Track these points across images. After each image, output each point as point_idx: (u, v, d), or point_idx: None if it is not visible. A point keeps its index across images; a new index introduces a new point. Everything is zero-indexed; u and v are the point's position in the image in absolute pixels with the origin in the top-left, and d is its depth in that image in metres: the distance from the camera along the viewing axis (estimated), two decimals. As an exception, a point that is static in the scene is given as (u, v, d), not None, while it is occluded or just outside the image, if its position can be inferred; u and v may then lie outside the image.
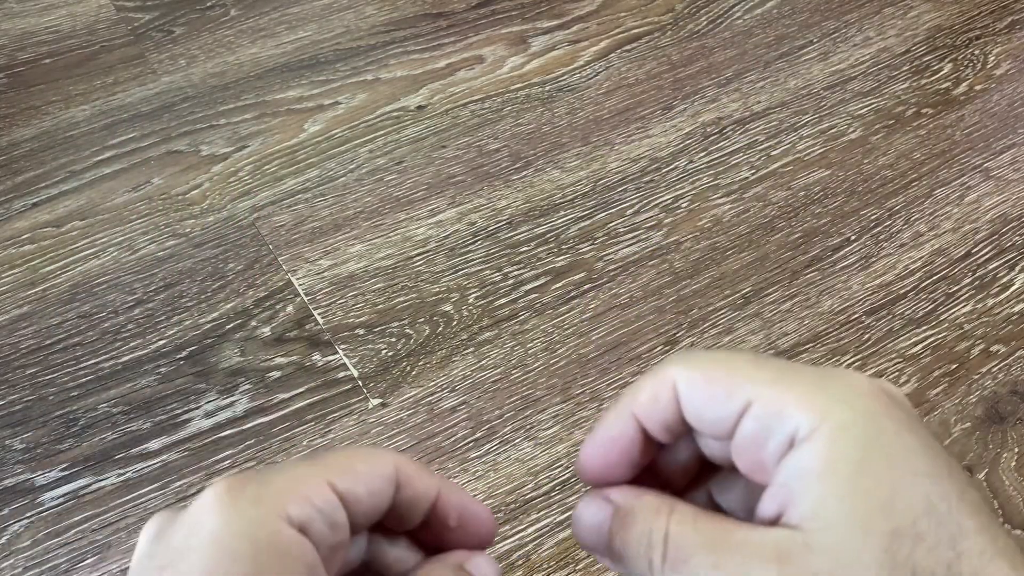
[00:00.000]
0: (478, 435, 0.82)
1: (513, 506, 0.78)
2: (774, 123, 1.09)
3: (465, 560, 0.30)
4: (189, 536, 0.22)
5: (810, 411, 0.22)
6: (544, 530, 0.77)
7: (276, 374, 0.85)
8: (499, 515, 0.78)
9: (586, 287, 0.92)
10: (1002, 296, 0.93)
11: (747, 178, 1.03)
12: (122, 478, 0.78)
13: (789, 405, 0.23)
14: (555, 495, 0.79)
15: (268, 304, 0.90)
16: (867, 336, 0.89)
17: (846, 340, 0.88)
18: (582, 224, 0.98)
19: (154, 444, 0.80)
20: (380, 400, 0.84)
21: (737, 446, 0.25)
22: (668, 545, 0.24)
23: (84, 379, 0.84)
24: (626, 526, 0.27)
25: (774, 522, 0.22)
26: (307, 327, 0.89)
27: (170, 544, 0.22)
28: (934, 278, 0.94)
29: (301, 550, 0.23)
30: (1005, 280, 0.95)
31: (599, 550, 0.27)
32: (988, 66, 1.16)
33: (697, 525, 0.24)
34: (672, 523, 0.24)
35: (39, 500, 0.76)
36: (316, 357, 0.86)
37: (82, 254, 0.93)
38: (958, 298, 0.92)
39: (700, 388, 0.25)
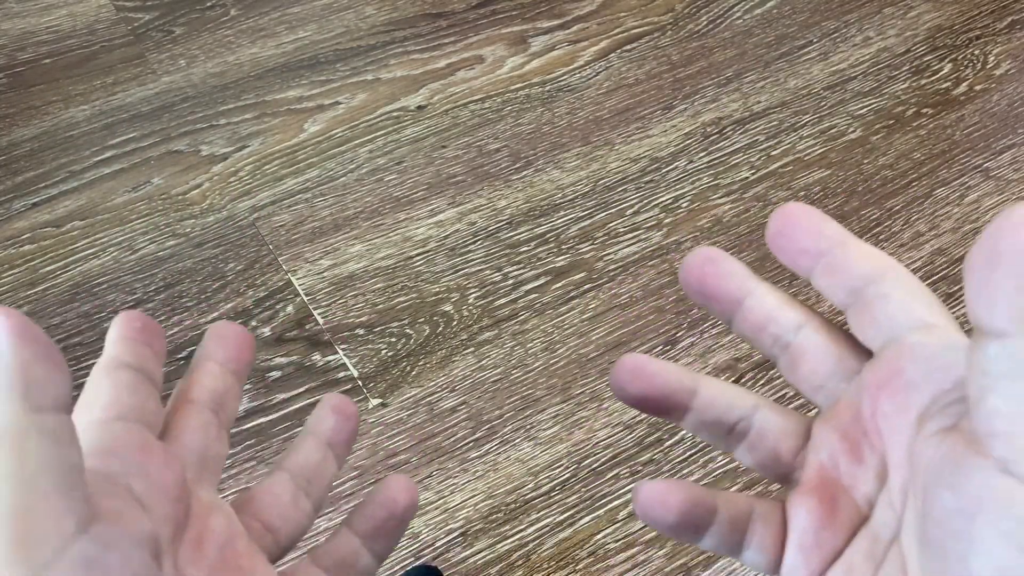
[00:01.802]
0: (478, 435, 0.82)
1: (513, 506, 0.78)
2: (774, 123, 1.09)
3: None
4: None
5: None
6: (544, 530, 0.77)
7: (276, 374, 0.85)
8: (499, 515, 0.78)
9: (586, 287, 0.92)
10: (1002, 296, 0.93)
11: (747, 178, 1.03)
12: (122, 478, 0.78)
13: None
14: (555, 495, 0.79)
15: (268, 304, 0.90)
16: (867, 336, 0.89)
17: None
18: (582, 224, 0.98)
19: (154, 444, 0.80)
20: (380, 400, 0.84)
21: (896, 350, 0.23)
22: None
23: (84, 379, 0.84)
24: None
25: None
26: (307, 327, 0.89)
27: None
28: (934, 278, 0.94)
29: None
30: (1005, 280, 0.95)
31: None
32: (988, 66, 1.16)
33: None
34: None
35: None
36: (316, 357, 0.86)
37: (82, 254, 0.93)
38: (958, 298, 0.92)
39: (907, 283, 0.23)
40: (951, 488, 0.18)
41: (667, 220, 0.98)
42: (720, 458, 0.82)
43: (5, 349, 0.17)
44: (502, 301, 0.91)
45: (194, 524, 0.22)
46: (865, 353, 0.24)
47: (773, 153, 1.05)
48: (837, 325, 0.25)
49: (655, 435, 0.83)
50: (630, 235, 0.97)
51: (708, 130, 1.08)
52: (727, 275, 0.24)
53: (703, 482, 0.80)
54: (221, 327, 0.26)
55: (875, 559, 0.22)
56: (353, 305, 0.90)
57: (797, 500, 0.24)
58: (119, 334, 0.24)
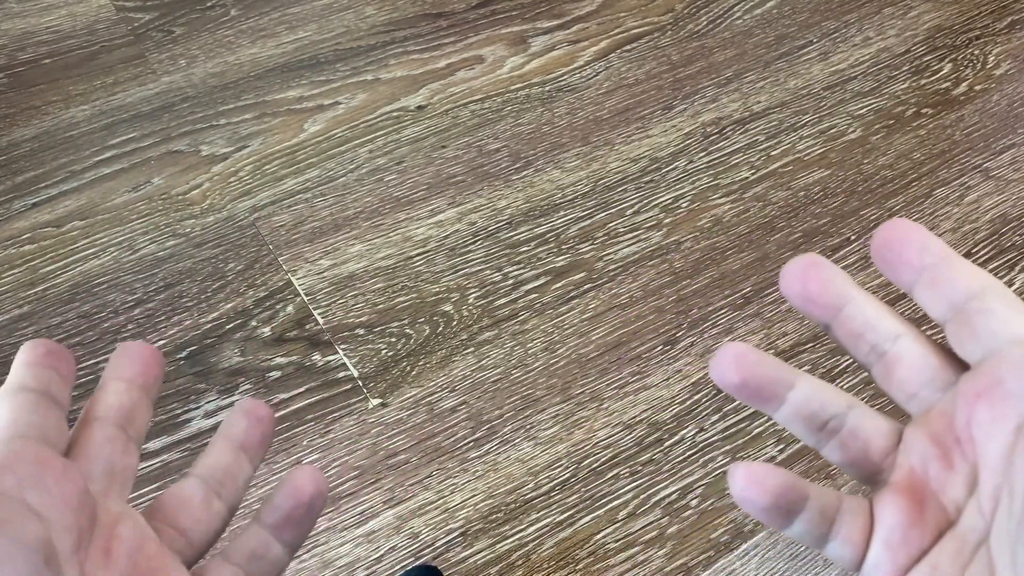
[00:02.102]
0: (478, 435, 0.82)
1: (513, 506, 0.78)
2: (774, 123, 1.09)
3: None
4: None
5: None
6: (544, 530, 0.77)
7: (276, 374, 0.85)
8: (499, 515, 0.78)
9: (586, 287, 0.92)
10: (1002, 296, 0.94)
11: (747, 178, 1.03)
12: (122, 478, 0.78)
13: None
14: (555, 495, 0.79)
15: (268, 304, 0.90)
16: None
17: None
18: (582, 224, 0.98)
19: (154, 444, 0.80)
20: (380, 400, 0.84)
21: (993, 361, 0.23)
22: None
23: (84, 379, 0.84)
24: None
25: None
26: (307, 327, 0.89)
27: None
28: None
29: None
30: (1005, 280, 0.95)
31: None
32: (988, 66, 1.16)
33: None
34: None
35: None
36: (316, 357, 0.86)
37: (82, 254, 0.93)
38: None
39: (1008, 302, 0.24)
40: None
41: (667, 220, 0.98)
42: (720, 458, 0.82)
43: None
44: (502, 301, 0.91)
45: (101, 533, 0.23)
46: (960, 366, 0.25)
47: (773, 153, 1.05)
48: (933, 338, 0.25)
49: (655, 435, 0.83)
50: (630, 235, 0.97)
51: (708, 130, 1.08)
52: (829, 281, 0.25)
53: (703, 482, 0.80)
54: (127, 345, 0.28)
55: (961, 561, 0.23)
56: (353, 305, 0.90)
57: (886, 498, 0.25)
58: (21, 360, 0.25)
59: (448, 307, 0.90)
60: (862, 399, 0.86)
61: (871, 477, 0.26)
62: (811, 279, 0.25)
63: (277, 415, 0.82)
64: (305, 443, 0.81)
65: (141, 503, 0.77)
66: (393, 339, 0.88)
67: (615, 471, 0.81)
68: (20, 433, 0.22)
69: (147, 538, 0.24)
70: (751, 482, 0.24)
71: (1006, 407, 0.22)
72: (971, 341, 0.23)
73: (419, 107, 1.09)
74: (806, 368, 0.88)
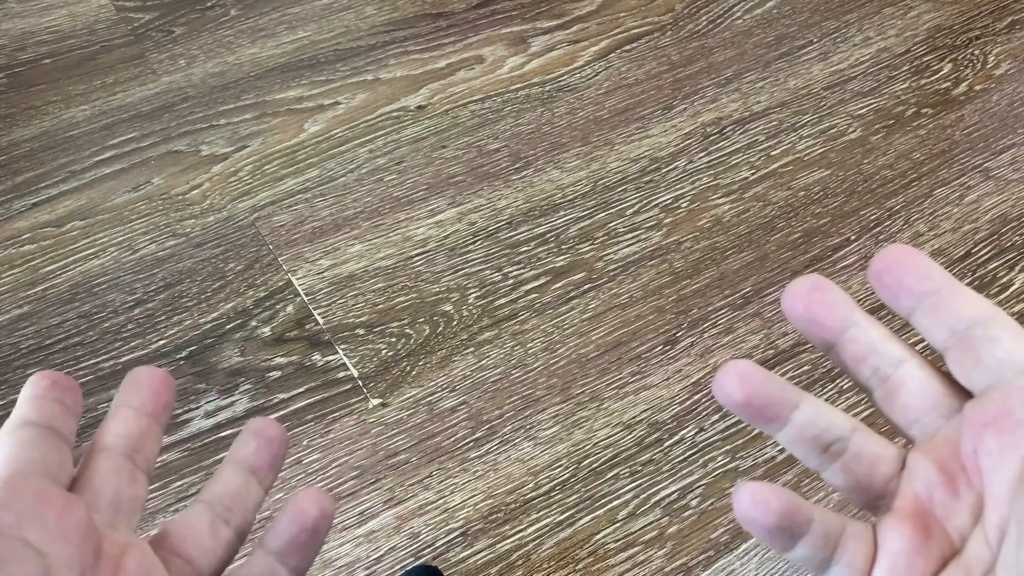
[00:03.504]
0: (478, 435, 0.82)
1: (513, 506, 0.78)
2: (774, 123, 1.09)
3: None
4: None
5: None
6: (544, 530, 0.77)
7: (276, 374, 0.85)
8: (499, 515, 0.78)
9: (586, 287, 0.92)
10: (1002, 296, 0.93)
11: (747, 178, 1.03)
12: (122, 478, 0.78)
13: None
14: (555, 495, 0.79)
15: (268, 304, 0.90)
16: (867, 336, 0.89)
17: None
18: (582, 224, 0.98)
19: (154, 444, 0.80)
20: (380, 400, 0.84)
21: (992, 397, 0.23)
22: None
23: (84, 379, 0.84)
24: None
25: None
26: (307, 327, 0.89)
27: None
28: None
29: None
30: (1005, 280, 0.95)
31: None
32: (988, 66, 1.16)
33: None
34: None
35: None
36: (316, 357, 0.86)
37: (82, 254, 0.93)
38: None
39: (1010, 331, 0.23)
40: None
41: (667, 220, 0.98)
42: (720, 458, 0.82)
43: None
44: (502, 301, 0.91)
45: (106, 565, 0.23)
46: (963, 393, 0.25)
47: (773, 153, 1.05)
48: (936, 365, 0.25)
49: (655, 435, 0.83)
50: (630, 235, 0.97)
51: (708, 130, 1.08)
52: (832, 304, 0.25)
53: (703, 482, 0.80)
54: (136, 372, 0.27)
55: None
56: (353, 305, 0.90)
57: (890, 524, 0.25)
58: (27, 394, 0.25)
59: (448, 307, 0.90)
60: (865, 403, 0.86)
61: (872, 503, 0.26)
62: (815, 301, 0.25)
63: (277, 415, 0.82)
64: (305, 443, 0.81)
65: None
66: (393, 339, 0.88)
67: (615, 471, 0.81)
68: (20, 470, 0.22)
69: (153, 569, 0.24)
70: (755, 502, 0.24)
71: (1015, 437, 0.22)
72: (975, 369, 0.23)
73: (419, 107, 1.09)
74: (806, 368, 0.88)
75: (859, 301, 0.91)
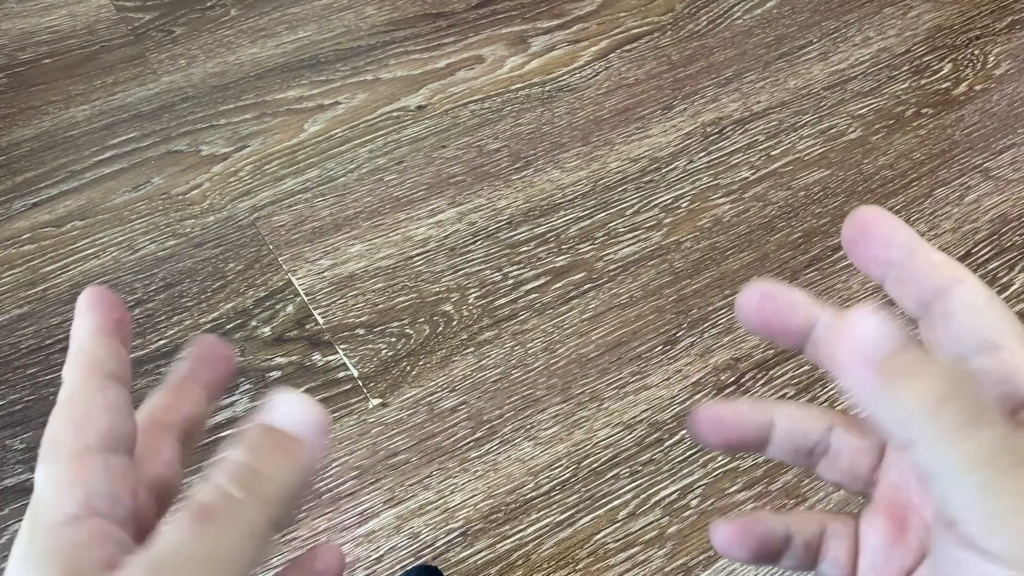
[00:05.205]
0: (478, 435, 0.82)
1: (513, 506, 0.78)
2: (774, 123, 1.09)
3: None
4: None
5: None
6: (544, 530, 0.77)
7: (276, 374, 0.85)
8: (499, 515, 0.78)
9: (586, 287, 0.92)
10: (1002, 296, 0.93)
11: (747, 178, 1.03)
12: (122, 478, 0.78)
13: None
14: (555, 495, 0.79)
15: (268, 304, 0.90)
16: (867, 336, 0.89)
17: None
18: (582, 224, 0.98)
19: (154, 444, 0.80)
20: (380, 400, 0.84)
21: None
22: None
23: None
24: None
25: None
26: (307, 327, 0.89)
27: None
28: (934, 278, 0.94)
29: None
30: (1005, 280, 0.95)
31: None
32: (988, 66, 1.16)
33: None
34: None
35: (39, 500, 0.76)
36: (316, 357, 0.86)
37: (82, 254, 0.93)
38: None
39: (978, 298, 0.22)
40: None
41: (667, 220, 0.98)
42: (720, 458, 0.82)
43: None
44: (502, 301, 0.91)
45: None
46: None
47: (773, 153, 1.05)
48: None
49: (655, 435, 0.83)
50: (630, 235, 0.97)
51: (708, 130, 1.08)
52: (788, 310, 0.24)
53: (703, 482, 0.80)
54: (210, 345, 0.26)
55: None
56: (353, 305, 0.90)
57: (869, 518, 0.25)
58: (96, 326, 0.24)
59: (448, 307, 0.90)
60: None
61: (866, 490, 0.26)
62: (768, 313, 0.25)
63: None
64: (305, 443, 0.81)
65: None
66: (393, 339, 0.88)
67: (615, 471, 0.81)
68: (112, 447, 0.22)
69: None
70: (731, 541, 0.25)
71: None
72: (937, 348, 0.23)
73: (419, 107, 1.09)
74: (806, 368, 0.88)
75: (860, 302, 0.91)
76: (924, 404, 0.19)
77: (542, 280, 0.93)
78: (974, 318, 0.22)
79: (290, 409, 0.23)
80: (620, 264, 0.94)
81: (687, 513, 0.79)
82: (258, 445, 0.22)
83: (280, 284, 0.92)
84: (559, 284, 0.92)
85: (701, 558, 0.77)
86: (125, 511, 0.21)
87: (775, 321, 0.24)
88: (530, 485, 0.79)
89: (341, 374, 0.85)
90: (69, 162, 1.01)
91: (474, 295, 0.91)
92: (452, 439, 0.81)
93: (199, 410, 0.25)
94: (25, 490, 0.77)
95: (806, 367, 0.88)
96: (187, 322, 0.88)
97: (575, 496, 0.79)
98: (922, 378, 0.19)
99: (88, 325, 0.24)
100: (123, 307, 0.24)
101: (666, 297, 0.92)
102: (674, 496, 0.80)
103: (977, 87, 1.14)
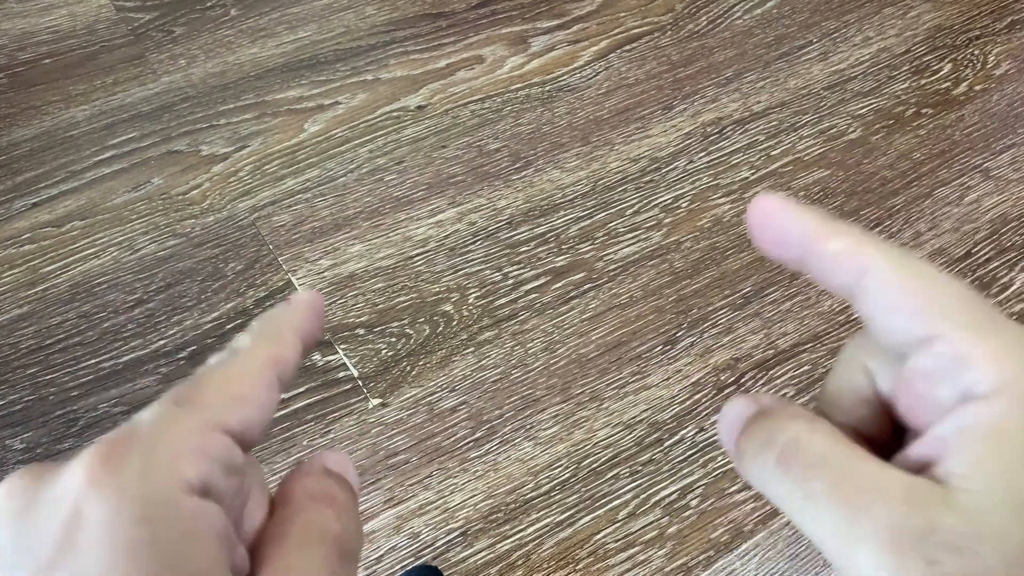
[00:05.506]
0: (478, 435, 0.82)
1: (513, 506, 0.78)
2: (774, 123, 1.09)
3: (324, 461, 0.25)
4: (72, 530, 0.19)
5: (999, 370, 0.20)
6: (544, 530, 0.77)
7: (276, 374, 0.85)
8: (499, 515, 0.78)
9: (586, 287, 0.92)
10: (1002, 296, 0.93)
11: (747, 178, 1.03)
12: (122, 478, 0.78)
13: (978, 356, 0.20)
14: (555, 495, 0.79)
15: (268, 304, 0.90)
16: (867, 336, 0.89)
17: (847, 340, 0.88)
18: (582, 224, 0.98)
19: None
20: (380, 400, 0.84)
21: (904, 377, 0.22)
22: (790, 449, 0.22)
23: (84, 379, 0.84)
24: (758, 421, 0.24)
25: (917, 471, 0.21)
26: (307, 327, 0.88)
27: (45, 538, 0.19)
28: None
29: (208, 522, 0.19)
30: (1005, 280, 0.95)
31: (729, 444, 0.23)
32: (988, 66, 1.16)
33: (831, 443, 0.21)
34: (804, 431, 0.22)
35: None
36: (316, 357, 0.86)
37: (82, 254, 0.93)
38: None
39: (891, 289, 0.21)
40: None
41: (667, 220, 0.98)
42: (720, 458, 0.82)
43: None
44: (502, 301, 0.91)
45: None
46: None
47: (773, 153, 1.05)
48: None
49: (655, 435, 0.83)
50: (630, 235, 0.97)
51: (708, 130, 1.08)
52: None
53: (703, 482, 0.80)
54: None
55: None
56: (353, 305, 0.90)
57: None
58: (300, 326, 0.25)
59: (448, 307, 0.90)
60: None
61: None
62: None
63: (277, 415, 0.82)
64: (305, 443, 0.81)
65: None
66: (393, 339, 0.88)
67: (615, 471, 0.81)
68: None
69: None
70: (765, 227, 0.23)
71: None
72: (884, 353, 0.22)
73: (419, 107, 1.09)
74: (806, 368, 0.88)
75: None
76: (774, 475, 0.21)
77: (542, 280, 0.93)
78: (893, 317, 0.21)
79: (338, 460, 0.24)
80: (620, 264, 0.94)
81: (687, 513, 0.79)
82: (348, 509, 0.23)
83: (280, 284, 0.92)
84: (559, 284, 0.92)
85: (701, 558, 0.77)
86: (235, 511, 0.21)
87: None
88: (530, 485, 0.79)
89: (341, 374, 0.85)
90: (69, 162, 1.01)
91: (474, 295, 0.91)
92: (452, 439, 0.81)
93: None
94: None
95: (806, 367, 0.88)
96: (187, 322, 0.88)
97: (575, 496, 0.79)
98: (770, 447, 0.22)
99: (294, 322, 0.24)
100: (322, 324, 0.25)
101: (666, 297, 0.92)
102: (674, 496, 0.80)
103: (977, 87, 1.14)
